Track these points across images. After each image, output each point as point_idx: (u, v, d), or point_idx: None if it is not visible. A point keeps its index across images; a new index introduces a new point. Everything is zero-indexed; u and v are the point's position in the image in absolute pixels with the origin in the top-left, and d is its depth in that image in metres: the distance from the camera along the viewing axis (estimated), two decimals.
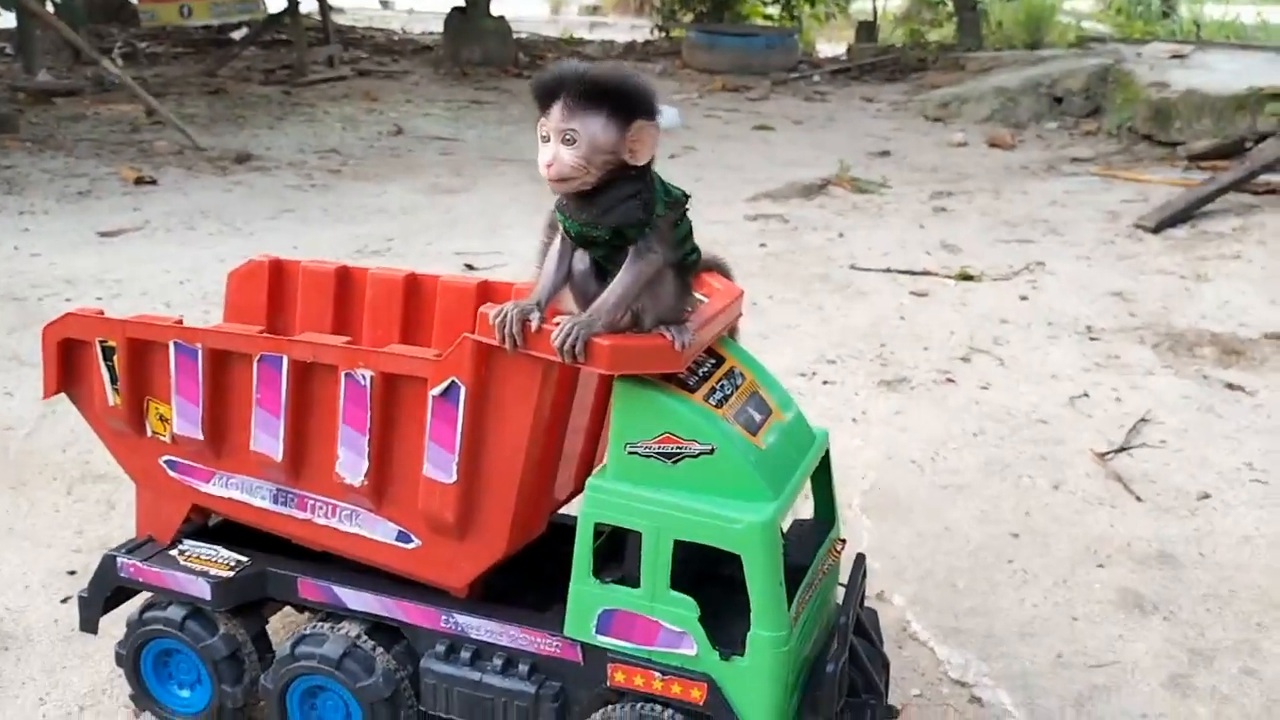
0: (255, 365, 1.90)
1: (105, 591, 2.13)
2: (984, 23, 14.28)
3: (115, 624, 2.18)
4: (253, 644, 2.08)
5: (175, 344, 1.94)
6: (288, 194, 6.58)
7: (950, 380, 3.97)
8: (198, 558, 2.07)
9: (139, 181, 6.56)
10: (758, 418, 1.87)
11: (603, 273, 1.77)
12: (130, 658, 2.11)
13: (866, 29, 14.84)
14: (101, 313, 2.03)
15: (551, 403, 1.84)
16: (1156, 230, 5.99)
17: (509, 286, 2.21)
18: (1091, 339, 4.43)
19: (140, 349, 1.99)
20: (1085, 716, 2.25)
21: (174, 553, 2.09)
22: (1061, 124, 10.09)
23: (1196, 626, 2.56)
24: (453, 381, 1.78)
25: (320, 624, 2.02)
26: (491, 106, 10.05)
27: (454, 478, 1.83)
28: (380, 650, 1.96)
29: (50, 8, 10.06)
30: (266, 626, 2.15)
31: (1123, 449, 3.43)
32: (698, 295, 1.93)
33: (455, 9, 12.66)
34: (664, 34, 15.36)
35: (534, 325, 1.70)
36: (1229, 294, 4.93)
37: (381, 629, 2.00)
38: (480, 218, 6.21)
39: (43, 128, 8.04)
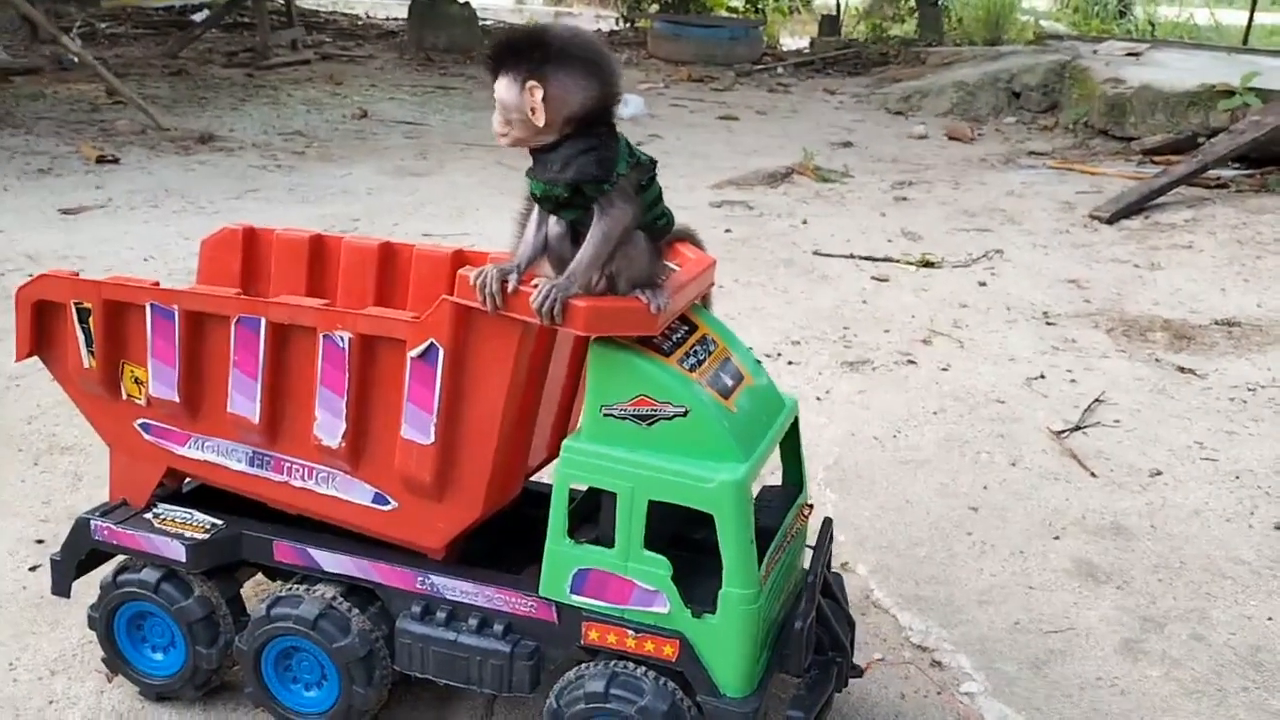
0: (233, 327, 1.92)
1: (78, 555, 2.13)
2: (945, 19, 14.42)
3: (84, 591, 2.18)
4: (227, 607, 2.10)
5: (152, 305, 1.95)
6: (252, 174, 6.53)
7: (911, 361, 4.05)
8: (172, 520, 2.08)
9: (100, 160, 6.48)
10: (729, 383, 1.92)
11: (577, 237, 1.81)
12: (103, 621, 2.12)
13: (829, 23, 14.93)
14: (77, 274, 2.04)
15: (528, 366, 1.88)
16: (1111, 221, 6.11)
17: (484, 255, 2.23)
18: (1048, 323, 4.53)
19: (116, 311, 1.99)
20: (1042, 679, 2.32)
21: (148, 516, 2.10)
22: (1019, 118, 10.22)
23: (1148, 595, 2.64)
24: (431, 343, 1.81)
25: (295, 586, 2.04)
26: (458, 92, 10.01)
27: (431, 439, 1.86)
28: (355, 611, 1.99)
29: None
30: (240, 591, 2.17)
31: (1078, 427, 3.52)
32: (670, 264, 1.97)
33: None
34: (629, 24, 15.35)
35: (512, 286, 1.73)
36: (1180, 282, 5.05)
37: (356, 591, 2.03)
38: (447, 200, 6.21)
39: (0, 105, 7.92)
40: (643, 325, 1.76)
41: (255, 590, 2.36)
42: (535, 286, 1.72)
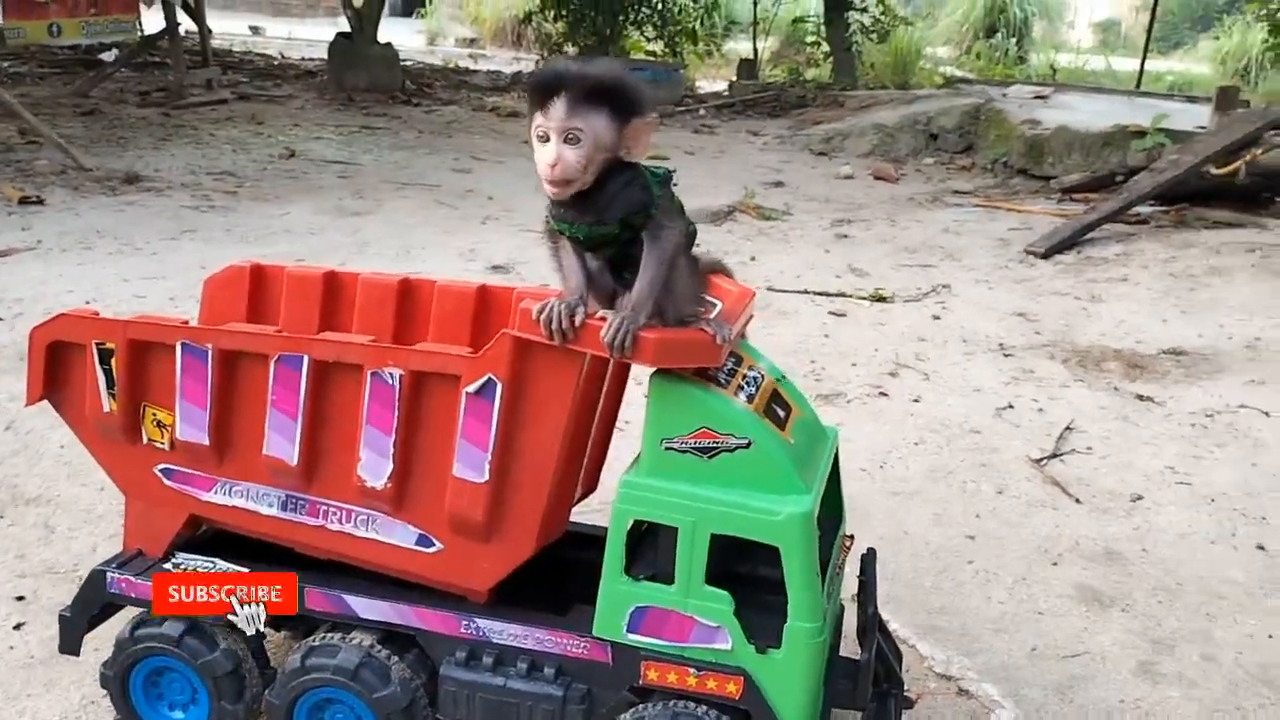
0: (272, 366, 1.84)
1: (92, 609, 2.02)
2: (858, 64, 14.81)
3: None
4: (253, 659, 2.00)
5: (183, 345, 1.87)
6: (186, 214, 6.34)
7: (883, 394, 4.10)
8: (195, 571, 1.98)
9: (24, 201, 6.23)
10: (782, 414, 1.91)
11: (616, 268, 1.78)
12: (118, 679, 2.00)
13: (747, 66, 15.20)
14: (97, 314, 1.94)
15: (581, 400, 1.84)
16: (1046, 256, 6.31)
17: (509, 291, 2.20)
18: (1005, 355, 4.63)
19: (141, 351, 1.90)
20: (1069, 705, 2.35)
21: (169, 566, 1.99)
22: (938, 159, 10.53)
23: (1152, 618, 2.70)
24: (489, 378, 1.76)
25: (329, 635, 1.95)
26: (384, 132, 9.90)
27: (485, 477, 1.80)
28: (395, 659, 1.91)
29: None
30: (264, 641, 2.07)
31: (1054, 455, 3.60)
32: (708, 298, 1.96)
33: (340, 35, 12.45)
34: None
35: (578, 319, 1.70)
36: (1123, 314, 5.22)
37: (393, 637, 1.95)
38: (390, 239, 6.11)
39: None
40: (707, 357, 1.74)
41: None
42: (603, 319, 1.69)
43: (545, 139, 1.65)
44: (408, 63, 13.95)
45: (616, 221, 1.70)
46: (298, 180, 7.58)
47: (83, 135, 8.58)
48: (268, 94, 11.70)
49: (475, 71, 15.40)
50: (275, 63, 14.48)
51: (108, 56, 12.52)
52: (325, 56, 12.90)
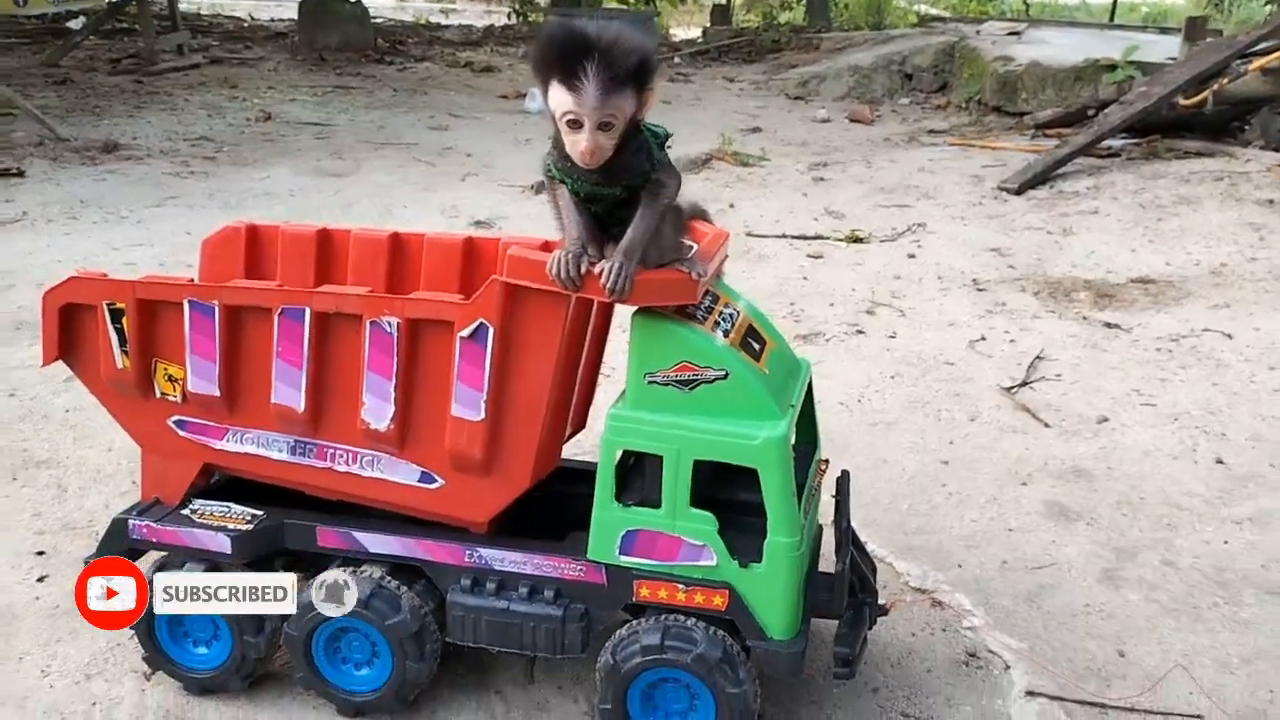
0: (276, 318, 1.95)
1: (114, 555, 2.13)
2: (832, 4, 14.80)
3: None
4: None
5: (190, 302, 1.97)
6: (167, 181, 6.40)
7: (860, 331, 4.23)
8: (212, 514, 2.10)
9: (4, 173, 6.27)
10: (756, 346, 2.03)
11: (601, 219, 1.88)
12: (144, 619, 2.12)
13: (720, 12, 15.18)
14: (105, 275, 2.04)
15: (568, 340, 1.96)
16: (1019, 191, 6.42)
17: (495, 241, 2.30)
18: (979, 289, 4.77)
19: (150, 309, 2.00)
20: (1036, 610, 2.50)
21: (186, 512, 2.12)
22: (913, 99, 10.60)
23: (1116, 529, 2.85)
24: (481, 323, 1.88)
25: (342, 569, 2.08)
26: (359, 91, 9.92)
27: (482, 415, 1.92)
28: (404, 589, 2.04)
29: None
30: None
31: (1025, 383, 3.74)
32: (687, 241, 2.07)
33: None
34: (522, 18, 15.37)
35: (584, 266, 1.79)
36: (1093, 245, 5.36)
37: (401, 569, 2.08)
38: (372, 198, 6.19)
39: None
40: (685, 294, 1.85)
41: None
42: (599, 268, 1.78)
43: (578, 124, 1.68)
44: (379, 20, 13.89)
45: (624, 186, 1.79)
46: (275, 143, 7.62)
47: (57, 105, 8.58)
48: (239, 57, 11.66)
49: (447, 27, 15.33)
50: (245, 25, 14.38)
51: (75, 24, 12.43)
52: (295, 17, 12.83)
